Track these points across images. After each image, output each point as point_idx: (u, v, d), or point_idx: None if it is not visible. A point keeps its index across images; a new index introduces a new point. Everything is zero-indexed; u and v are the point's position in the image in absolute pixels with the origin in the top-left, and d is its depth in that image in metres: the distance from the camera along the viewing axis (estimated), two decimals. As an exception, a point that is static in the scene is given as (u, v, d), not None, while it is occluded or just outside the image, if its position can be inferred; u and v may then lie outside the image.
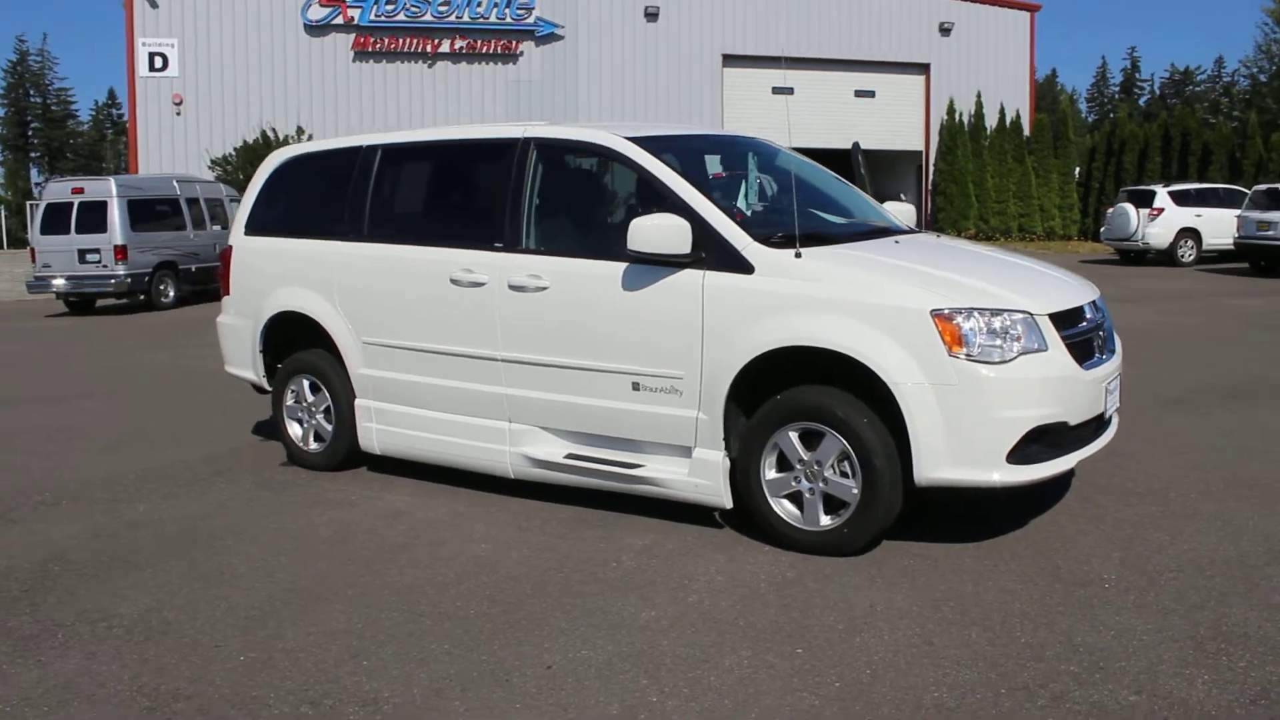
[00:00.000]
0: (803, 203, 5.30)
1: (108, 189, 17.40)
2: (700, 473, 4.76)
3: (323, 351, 6.14)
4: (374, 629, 3.91)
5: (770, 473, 4.60)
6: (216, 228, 19.25)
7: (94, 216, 17.18)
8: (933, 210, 31.25)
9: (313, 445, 6.27)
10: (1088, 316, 4.71)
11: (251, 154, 24.69)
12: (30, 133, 70.26)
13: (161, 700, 3.41)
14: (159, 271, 17.90)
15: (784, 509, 4.58)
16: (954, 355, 4.19)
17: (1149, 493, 5.31)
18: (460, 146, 5.82)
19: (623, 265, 4.82)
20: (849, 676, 3.39)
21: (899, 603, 3.98)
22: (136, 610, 4.15)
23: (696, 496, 4.82)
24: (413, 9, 27.98)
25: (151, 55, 26.26)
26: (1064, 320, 4.49)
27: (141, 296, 17.79)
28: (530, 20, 29.03)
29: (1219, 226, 21.08)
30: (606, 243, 5.01)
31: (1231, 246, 20.44)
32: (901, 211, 5.97)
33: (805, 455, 4.50)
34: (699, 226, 4.62)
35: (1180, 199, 21.88)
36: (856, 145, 6.79)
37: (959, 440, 4.20)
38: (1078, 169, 31.16)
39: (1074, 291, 4.78)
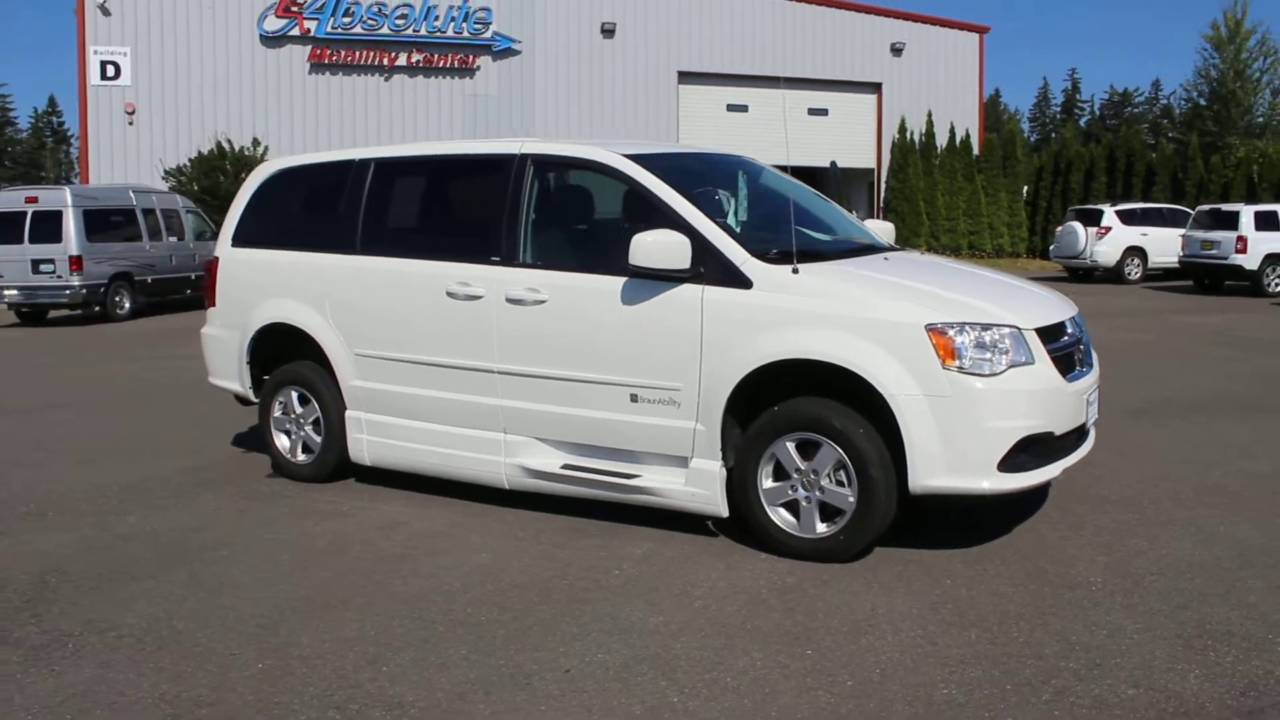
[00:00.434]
0: (796, 220, 5.47)
1: (63, 199, 17.11)
2: (697, 482, 4.87)
3: (312, 363, 6.16)
4: (388, 636, 3.96)
5: (767, 482, 4.73)
6: (173, 239, 19.04)
7: (48, 226, 16.88)
8: (885, 227, 31.69)
9: (300, 457, 6.28)
10: (1069, 331, 4.92)
11: (206, 165, 24.47)
12: (-35, 140, 68.70)
13: (184, 707, 3.44)
14: (114, 283, 17.63)
15: (781, 517, 4.72)
16: (947, 368, 4.37)
17: (1123, 501, 5.53)
18: (455, 162, 5.90)
19: (621, 279, 4.93)
20: (860, 676, 3.52)
21: (899, 606, 4.13)
22: (144, 620, 4.16)
23: (693, 506, 4.94)
24: (370, 22, 27.91)
25: (104, 64, 25.89)
26: (1048, 335, 4.69)
27: (97, 308, 17.51)
28: (487, 35, 29.10)
29: (1164, 245, 21.77)
30: (604, 257, 5.11)
31: (1176, 264, 21.12)
32: (882, 229, 6.16)
33: (802, 465, 4.64)
34: (698, 242, 4.75)
35: (1127, 218, 22.54)
36: (834, 164, 6.98)
37: (952, 449, 4.36)
38: (1025, 188, 31.90)
39: (1056, 307, 4.99)
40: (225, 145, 24.73)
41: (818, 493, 4.61)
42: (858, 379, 4.47)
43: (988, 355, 4.43)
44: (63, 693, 3.56)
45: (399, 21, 28.06)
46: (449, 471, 5.67)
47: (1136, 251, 22.30)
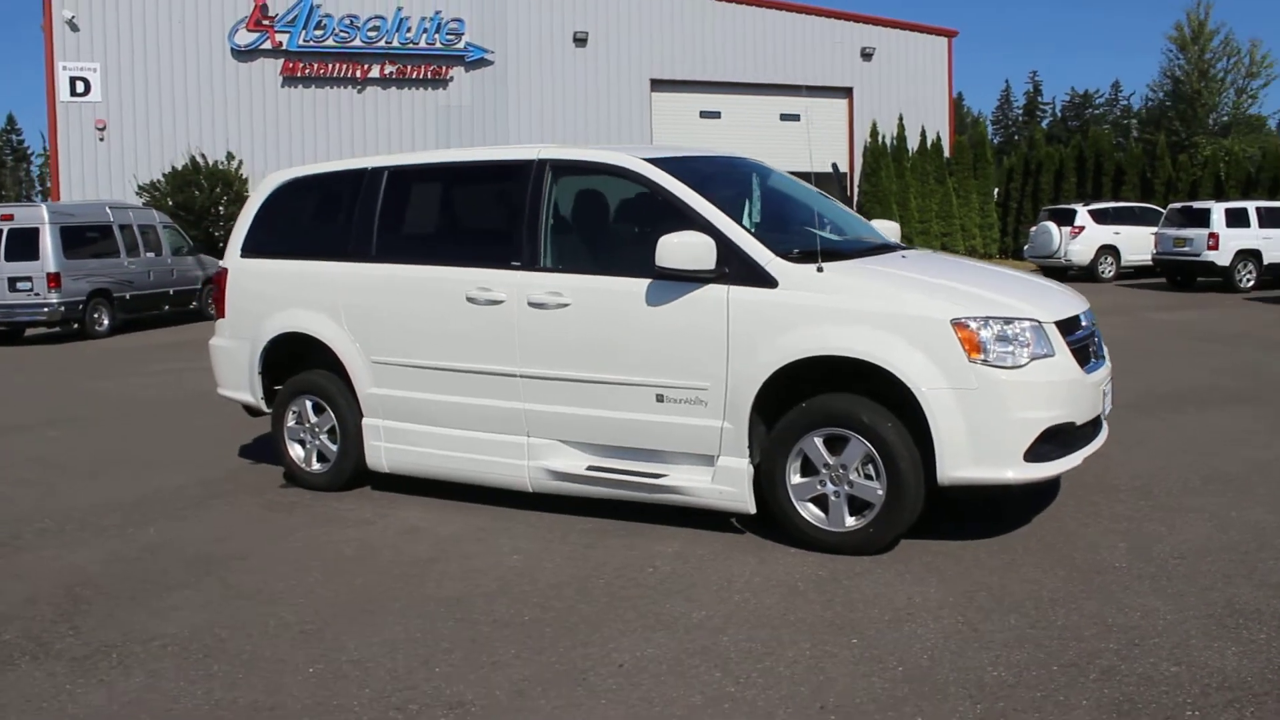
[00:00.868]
0: (805, 221, 5.57)
1: (39, 215, 16.94)
2: (725, 480, 4.94)
3: (326, 372, 6.17)
4: (434, 638, 3.99)
5: (795, 477, 4.81)
6: (150, 255, 18.88)
7: (25, 244, 16.70)
8: (859, 230, 31.97)
9: (316, 466, 6.28)
10: (1083, 324, 5.04)
11: (180, 180, 24.28)
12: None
13: (242, 713, 3.45)
14: (93, 299, 17.45)
15: (809, 512, 4.79)
16: (973, 361, 4.46)
17: (1134, 489, 5.66)
18: (471, 169, 5.94)
19: (645, 281, 5.00)
20: (909, 661, 3.60)
21: (934, 595, 4.21)
22: (185, 629, 4.17)
23: (721, 503, 5.00)
24: (342, 34, 27.79)
25: (73, 80, 25.59)
26: (1066, 327, 4.80)
27: (75, 325, 17.33)
28: (460, 46, 29.06)
29: (1136, 243, 22.13)
30: (626, 260, 5.18)
31: (1149, 262, 21.48)
32: (889, 229, 6.26)
33: (830, 459, 4.72)
34: (722, 243, 4.83)
35: (1099, 217, 22.90)
36: (835, 166, 7.08)
37: (980, 441, 4.46)
38: (996, 189, 32.27)
39: (1070, 301, 5.11)
40: (199, 160, 24.54)
41: (846, 487, 4.70)
42: (884, 374, 4.56)
43: (1010, 348, 4.53)
44: (116, 701, 3.56)
45: (371, 33, 27.97)
46: (471, 476, 5.70)
47: (1110, 250, 22.65)
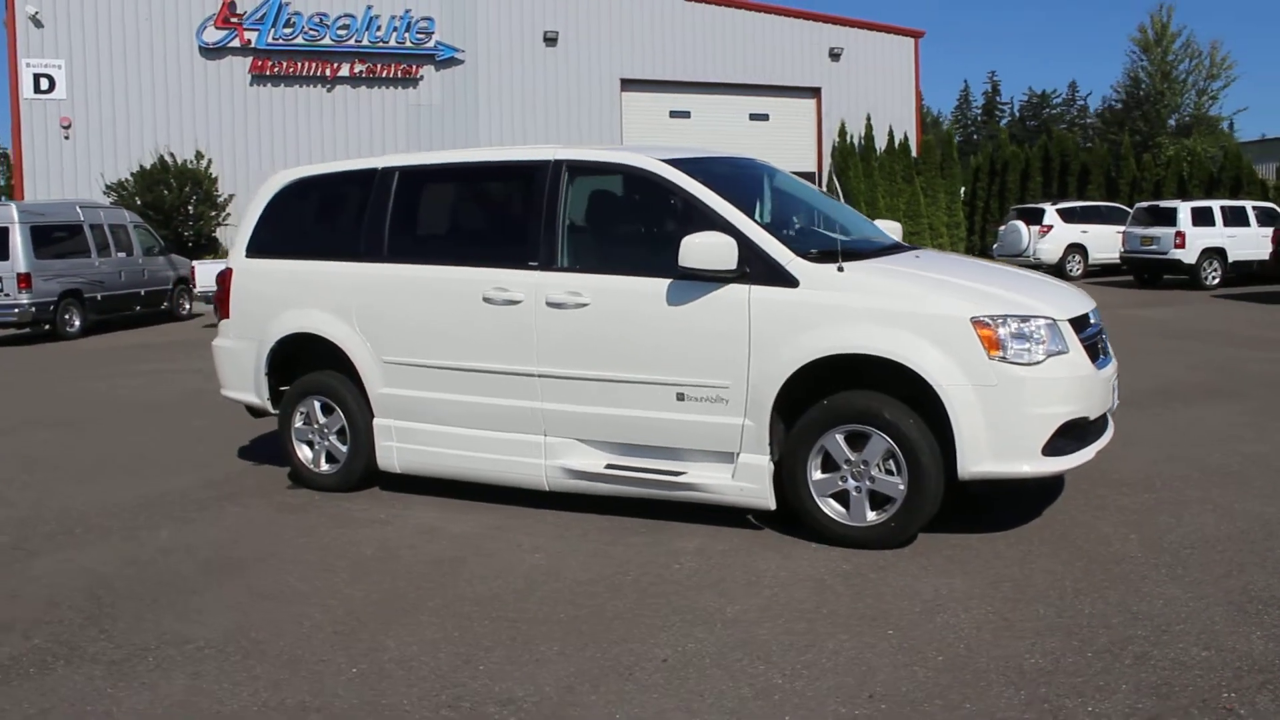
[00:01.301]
0: (813, 220, 5.65)
1: (9, 215, 16.66)
2: (745, 476, 5.00)
3: (335, 372, 6.16)
4: (472, 636, 4.02)
5: (816, 474, 4.89)
6: (121, 255, 18.66)
7: (-6, 244, 16.44)
8: (828, 230, 32.22)
9: (324, 467, 6.27)
10: (1092, 322, 5.16)
11: (149, 179, 23.96)
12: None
13: (292, 713, 3.46)
14: (64, 300, 17.22)
15: (831, 507, 4.87)
16: (992, 359, 4.57)
17: (1137, 483, 5.80)
18: (485, 169, 5.95)
19: (665, 281, 5.05)
20: (948, 651, 3.69)
21: (960, 587, 4.31)
22: (218, 631, 4.16)
23: (741, 500, 5.07)
24: (311, 33, 27.54)
25: (37, 77, 25.13)
26: (1077, 325, 4.92)
27: (46, 326, 17.08)
28: (430, 44, 28.91)
29: (1103, 242, 22.53)
30: (644, 260, 5.24)
31: (1116, 260, 21.86)
32: (892, 229, 6.36)
33: (851, 456, 4.80)
34: (743, 243, 4.89)
35: (1067, 216, 23.29)
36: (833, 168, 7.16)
37: (999, 436, 4.57)
38: (963, 189, 32.66)
39: (1079, 300, 5.23)
40: (168, 159, 24.22)
41: (868, 482, 4.78)
42: (904, 371, 4.64)
43: (1027, 346, 4.64)
44: (161, 704, 3.56)
45: (341, 32, 27.75)
46: (486, 475, 5.72)
47: (1077, 248, 23.03)
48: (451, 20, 29.00)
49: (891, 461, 4.72)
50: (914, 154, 32.72)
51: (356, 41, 28.02)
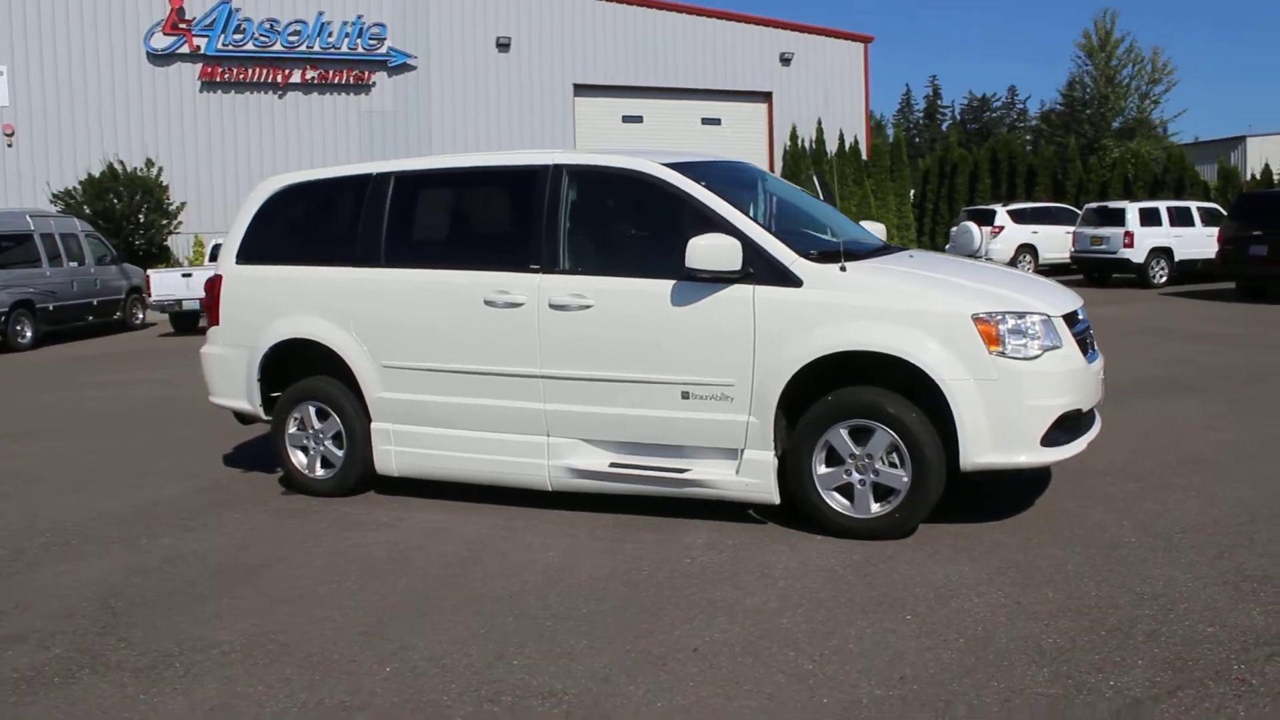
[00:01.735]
0: (806, 223, 5.79)
1: (-43, 226, 16.33)
2: (750, 472, 5.11)
3: (330, 377, 6.16)
4: (499, 633, 4.07)
5: (821, 468, 5.01)
6: (73, 264, 18.33)
7: (-58, 255, 16.08)
8: (782, 232, 32.57)
9: (320, 472, 6.26)
10: (1080, 318, 5.35)
11: (97, 187, 23.55)
12: None
13: (333, 713, 3.49)
14: (15, 311, 16.87)
15: (835, 500, 5.00)
16: (992, 354, 4.73)
17: (1120, 472, 6.01)
18: (484, 174, 6.00)
19: (668, 282, 5.15)
20: (968, 633, 3.82)
21: (968, 573, 4.45)
22: (241, 636, 4.16)
23: (746, 495, 5.18)
24: (262, 39, 27.26)
25: (-22, 83, 24.67)
26: (1068, 321, 5.10)
27: (-2, 338, 16.73)
28: (382, 50, 28.76)
29: (1053, 242, 23.07)
30: (646, 262, 5.32)
31: (1066, 260, 22.39)
32: (877, 230, 6.53)
33: (856, 450, 4.94)
34: (747, 245, 5.00)
35: (1018, 217, 23.82)
36: (819, 171, 7.32)
37: (1000, 428, 4.73)
38: (913, 191, 33.20)
39: (1069, 297, 5.42)
40: (117, 167, 23.81)
41: (872, 475, 4.91)
42: (908, 367, 4.79)
43: (1024, 341, 4.81)
44: (198, 710, 3.56)
45: (292, 38, 27.50)
46: (488, 477, 5.77)
47: (1028, 249, 23.55)
48: (404, 26, 28.88)
49: (895, 455, 4.87)
50: (864, 157, 33.20)
51: (308, 48, 27.80)
